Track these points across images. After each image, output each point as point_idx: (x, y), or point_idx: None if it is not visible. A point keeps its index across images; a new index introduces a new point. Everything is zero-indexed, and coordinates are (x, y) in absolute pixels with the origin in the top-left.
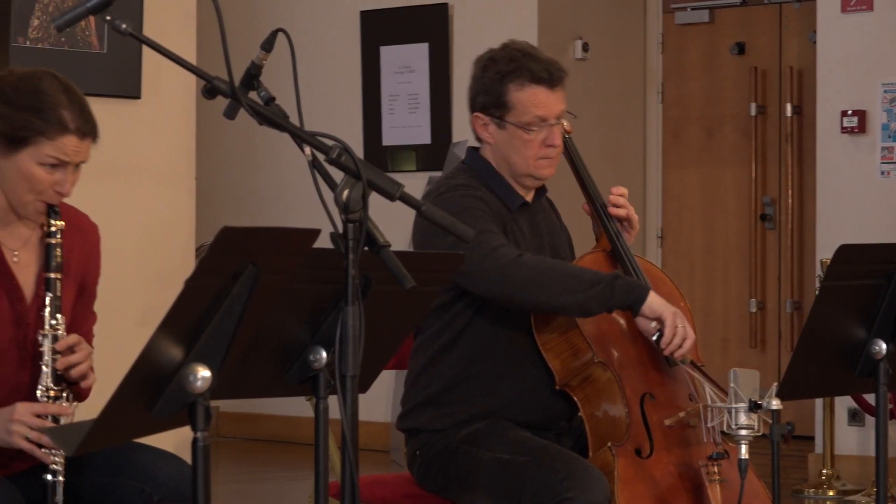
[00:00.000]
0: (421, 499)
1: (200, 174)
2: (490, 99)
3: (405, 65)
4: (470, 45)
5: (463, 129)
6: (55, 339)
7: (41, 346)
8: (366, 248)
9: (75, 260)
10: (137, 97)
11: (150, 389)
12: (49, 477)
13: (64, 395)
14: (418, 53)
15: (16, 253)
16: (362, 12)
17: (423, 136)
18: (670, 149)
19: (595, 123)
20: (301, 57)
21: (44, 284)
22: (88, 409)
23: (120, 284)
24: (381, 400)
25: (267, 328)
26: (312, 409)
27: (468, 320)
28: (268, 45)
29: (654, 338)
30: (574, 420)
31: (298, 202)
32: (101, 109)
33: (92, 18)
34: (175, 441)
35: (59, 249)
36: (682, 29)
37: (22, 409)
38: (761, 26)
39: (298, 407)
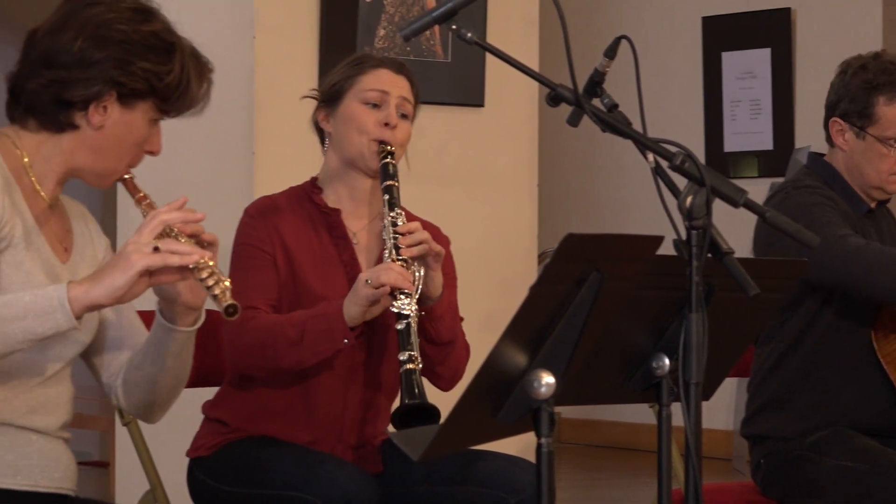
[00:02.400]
0: None
1: (542, 181)
2: (854, 107)
3: (747, 70)
4: (813, 50)
5: (806, 134)
6: (394, 224)
7: (383, 233)
8: (709, 255)
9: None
10: (481, 105)
11: (496, 395)
12: (400, 326)
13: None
14: (760, 59)
15: (356, 235)
16: (704, 18)
17: (765, 142)
18: None
19: None
20: (642, 63)
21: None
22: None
23: (464, 289)
24: (723, 407)
25: (610, 335)
26: (655, 416)
27: (809, 324)
28: (611, 53)
29: None
30: None
31: (639, 208)
32: (446, 118)
33: (437, 27)
34: (516, 448)
35: (393, 167)
36: None
37: (363, 274)
38: None
39: (640, 413)
